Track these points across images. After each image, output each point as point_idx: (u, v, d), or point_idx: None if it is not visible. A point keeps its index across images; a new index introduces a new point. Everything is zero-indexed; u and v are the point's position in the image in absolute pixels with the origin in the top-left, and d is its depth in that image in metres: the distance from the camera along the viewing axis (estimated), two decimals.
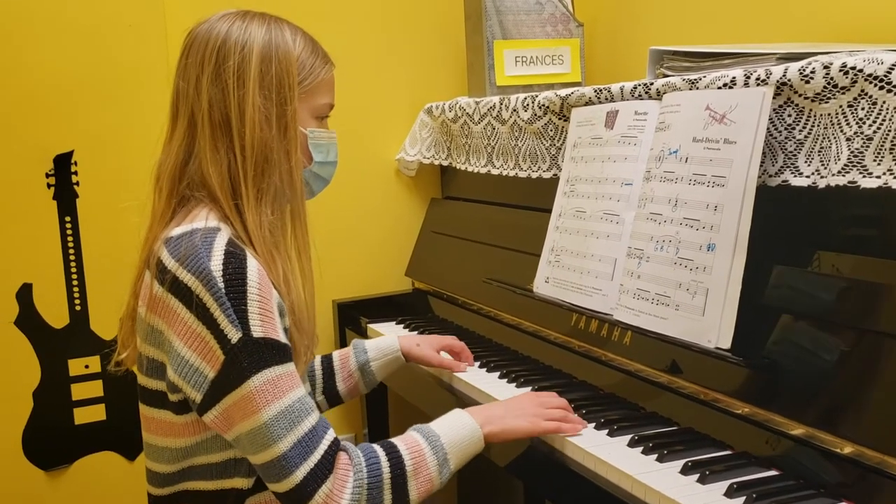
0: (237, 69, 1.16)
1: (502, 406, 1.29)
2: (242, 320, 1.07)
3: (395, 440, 1.17)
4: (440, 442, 1.17)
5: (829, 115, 1.17)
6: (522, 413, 1.26)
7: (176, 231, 1.14)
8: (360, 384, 1.54)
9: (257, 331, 1.08)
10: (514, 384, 1.54)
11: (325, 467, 1.09)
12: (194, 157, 1.17)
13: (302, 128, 1.22)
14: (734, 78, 1.28)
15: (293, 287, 1.18)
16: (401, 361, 1.56)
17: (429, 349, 1.59)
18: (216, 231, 1.12)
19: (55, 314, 2.02)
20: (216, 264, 1.08)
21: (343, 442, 1.14)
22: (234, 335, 1.07)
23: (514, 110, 1.87)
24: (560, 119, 1.75)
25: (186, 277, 1.08)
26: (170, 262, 1.11)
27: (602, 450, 1.22)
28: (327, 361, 1.54)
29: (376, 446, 1.15)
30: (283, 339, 1.12)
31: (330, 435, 1.12)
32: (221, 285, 1.07)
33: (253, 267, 1.10)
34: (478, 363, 1.67)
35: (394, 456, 1.13)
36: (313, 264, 1.24)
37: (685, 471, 1.13)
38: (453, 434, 1.19)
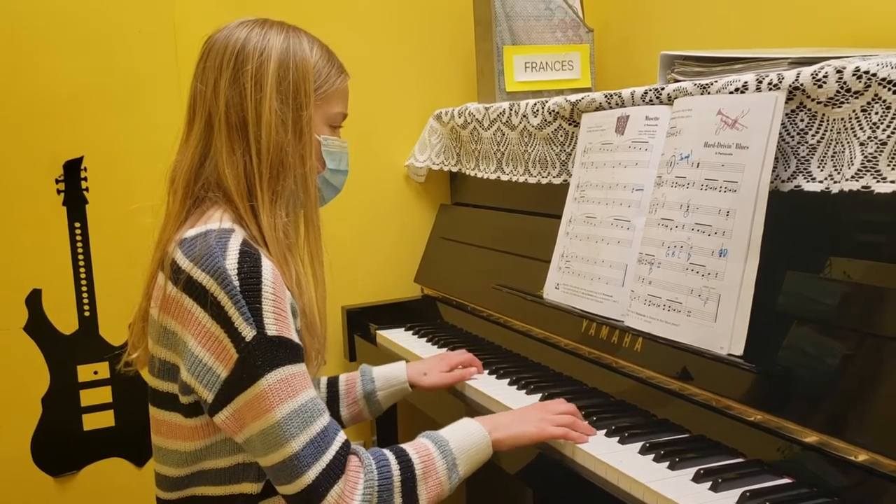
0: (255, 73, 1.18)
1: (510, 414, 1.31)
2: (257, 318, 1.07)
3: (405, 445, 1.17)
4: (449, 447, 1.17)
5: (842, 119, 1.16)
6: (529, 419, 1.27)
7: (190, 232, 1.14)
8: (365, 412, 1.53)
9: (272, 329, 1.08)
10: (524, 391, 1.53)
11: (337, 468, 1.09)
12: (210, 159, 1.19)
13: (316, 134, 1.24)
14: (746, 83, 1.27)
15: (305, 290, 1.19)
16: (407, 391, 1.55)
17: (437, 375, 1.58)
18: (231, 232, 1.13)
19: (64, 320, 2.02)
20: (231, 263, 1.09)
21: (353, 445, 1.14)
22: (248, 333, 1.07)
23: (524, 116, 1.87)
24: (570, 124, 1.74)
25: (201, 277, 1.09)
26: (184, 263, 1.11)
27: (613, 457, 1.21)
28: (333, 385, 1.54)
29: (386, 450, 1.15)
30: (296, 339, 1.12)
31: (341, 436, 1.12)
32: (236, 283, 1.07)
33: (267, 267, 1.11)
34: (487, 370, 1.66)
35: (404, 459, 1.13)
36: (326, 270, 1.24)
37: (697, 478, 1.12)
38: (462, 440, 1.19)
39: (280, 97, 1.18)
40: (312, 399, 1.11)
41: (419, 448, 1.16)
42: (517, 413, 1.31)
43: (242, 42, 1.19)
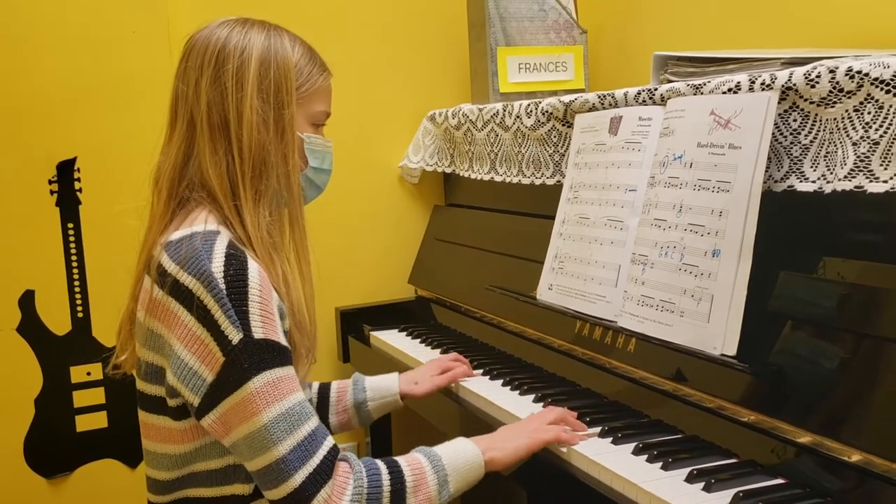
0: (236, 72, 1.17)
1: (503, 431, 1.30)
2: (243, 321, 1.07)
3: (397, 458, 1.17)
4: (441, 462, 1.17)
5: (834, 119, 1.16)
6: (522, 432, 1.27)
7: (175, 235, 1.14)
8: (354, 420, 1.52)
9: (258, 332, 1.08)
10: (518, 392, 1.53)
11: (325, 472, 1.08)
12: (193, 159, 1.18)
13: (298, 132, 1.23)
14: (739, 83, 1.27)
15: (293, 288, 1.18)
16: (399, 405, 1.54)
17: (428, 382, 1.57)
18: (216, 234, 1.12)
19: (57, 321, 2.02)
20: (217, 266, 1.08)
21: (344, 452, 1.13)
22: (234, 336, 1.06)
23: (518, 117, 1.87)
24: (564, 125, 1.74)
25: (187, 280, 1.08)
26: (170, 266, 1.10)
27: (606, 458, 1.21)
28: (324, 391, 1.53)
29: (378, 461, 1.15)
30: (283, 341, 1.11)
31: (329, 441, 1.11)
32: (223, 286, 1.07)
33: (254, 269, 1.10)
34: (481, 371, 1.66)
35: (395, 470, 1.13)
36: (312, 269, 1.24)
37: (690, 479, 1.12)
38: (455, 457, 1.19)
39: (261, 96, 1.17)
40: (300, 402, 1.10)
41: (411, 461, 1.16)
42: (510, 429, 1.30)
43: (223, 41, 1.18)
